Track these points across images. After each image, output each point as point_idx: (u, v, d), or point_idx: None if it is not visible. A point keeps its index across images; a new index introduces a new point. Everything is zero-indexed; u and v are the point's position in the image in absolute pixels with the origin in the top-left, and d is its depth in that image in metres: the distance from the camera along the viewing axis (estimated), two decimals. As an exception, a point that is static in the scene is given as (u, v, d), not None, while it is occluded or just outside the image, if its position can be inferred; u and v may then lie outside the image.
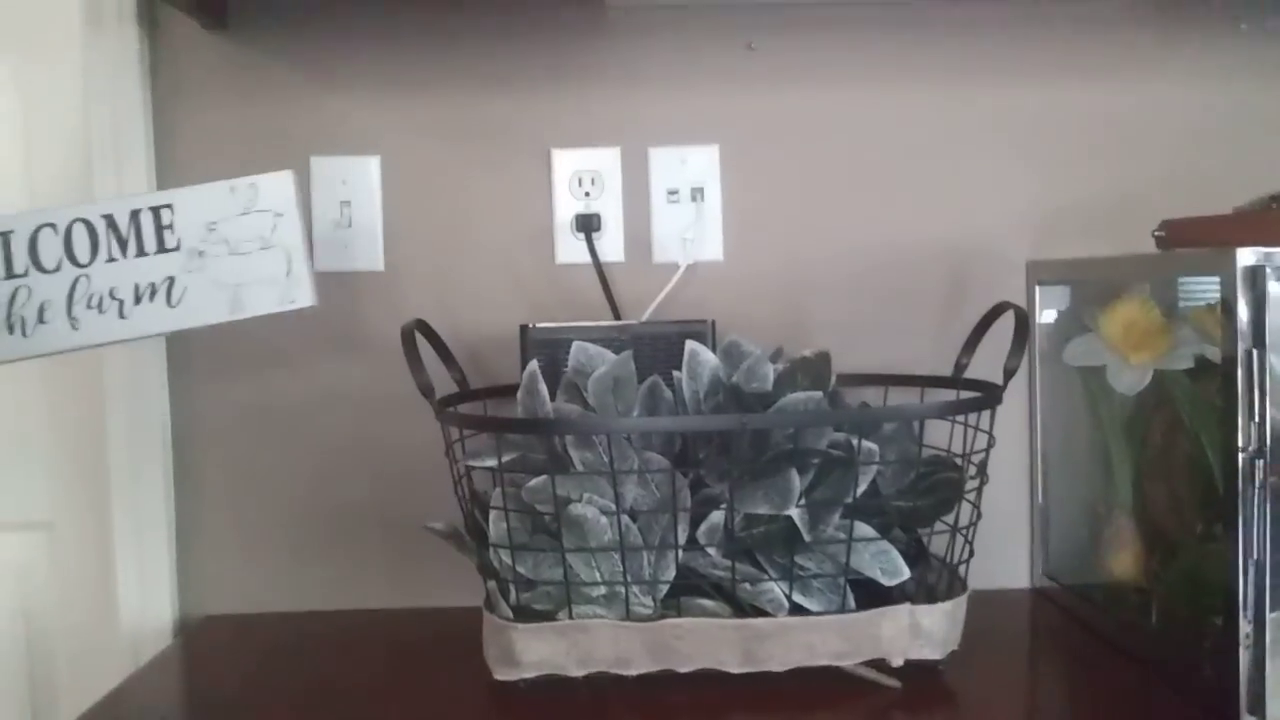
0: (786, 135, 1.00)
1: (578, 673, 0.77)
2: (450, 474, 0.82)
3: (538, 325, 0.93)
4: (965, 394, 0.86)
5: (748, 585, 0.77)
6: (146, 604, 0.97)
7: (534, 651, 0.76)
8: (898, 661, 0.78)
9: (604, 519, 0.76)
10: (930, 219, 1.01)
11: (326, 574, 1.00)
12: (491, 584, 0.79)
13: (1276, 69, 1.01)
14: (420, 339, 0.84)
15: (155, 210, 0.81)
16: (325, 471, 1.00)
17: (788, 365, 0.84)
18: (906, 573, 0.77)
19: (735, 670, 0.77)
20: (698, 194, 0.99)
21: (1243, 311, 0.69)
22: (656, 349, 0.91)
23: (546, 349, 0.92)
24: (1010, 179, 1.01)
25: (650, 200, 1.00)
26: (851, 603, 0.77)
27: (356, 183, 0.99)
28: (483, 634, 0.79)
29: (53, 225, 0.80)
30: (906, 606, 0.77)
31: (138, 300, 0.80)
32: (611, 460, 0.76)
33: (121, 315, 0.80)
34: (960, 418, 0.82)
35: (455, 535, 0.82)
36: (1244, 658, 0.69)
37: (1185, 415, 0.82)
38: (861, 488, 0.77)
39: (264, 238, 0.82)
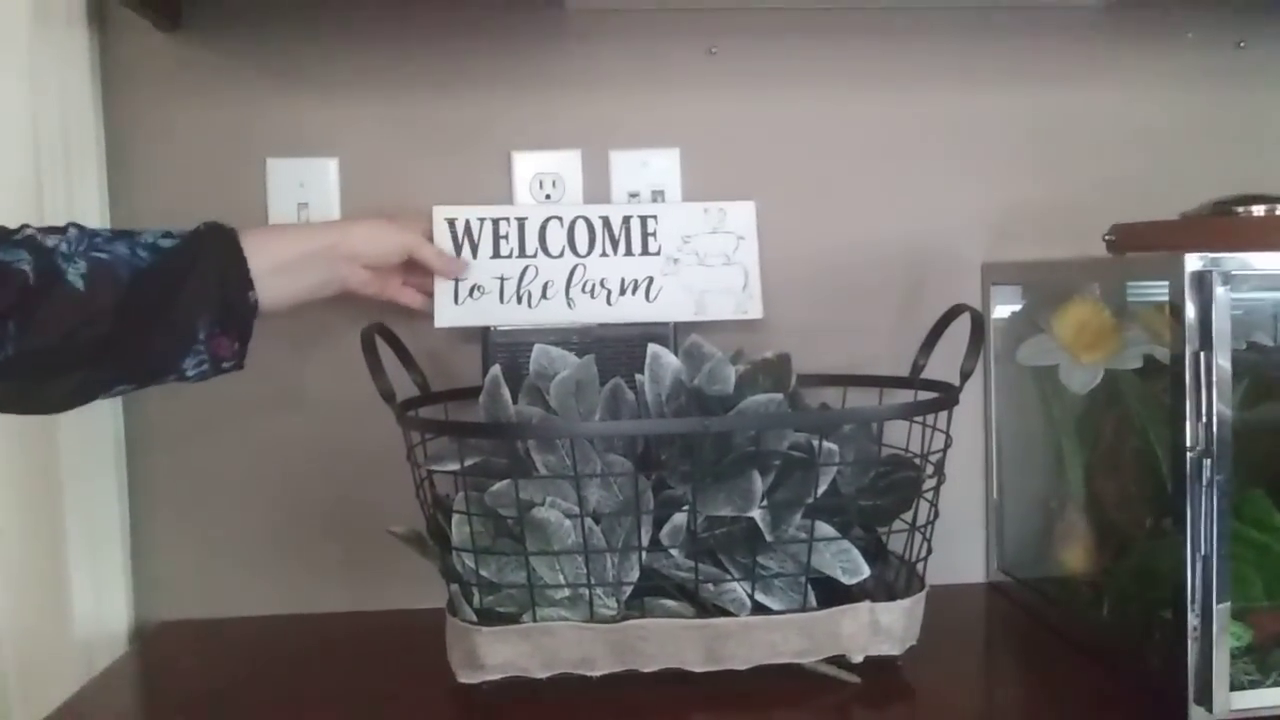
0: (746, 139, 1.01)
1: (542, 674, 0.77)
2: (412, 478, 0.82)
3: (499, 328, 0.93)
4: (923, 394, 0.87)
5: (710, 586, 0.77)
6: (100, 610, 0.95)
7: (498, 654, 0.76)
8: (858, 658, 0.79)
9: (567, 522, 0.76)
10: (888, 221, 1.03)
11: (285, 578, 0.99)
12: (454, 587, 0.79)
13: (1224, 77, 1.04)
14: (380, 342, 0.83)
15: (643, 219, 0.95)
16: (283, 476, 0.99)
17: (749, 367, 0.85)
18: (867, 571, 0.78)
19: (699, 669, 0.78)
20: (658, 196, 0.99)
21: (1190, 315, 0.71)
22: (618, 352, 0.92)
23: (508, 352, 0.92)
24: (967, 182, 1.03)
25: (611, 203, 1.00)
26: (813, 601, 0.78)
27: (314, 184, 0.98)
28: (446, 637, 0.79)
29: (560, 218, 0.94)
30: (866, 604, 0.78)
31: (622, 292, 0.94)
32: (574, 463, 0.76)
33: (609, 303, 0.94)
34: (919, 418, 0.83)
35: (417, 539, 0.81)
36: (1192, 649, 0.71)
37: (1135, 413, 0.84)
38: (822, 488, 0.78)
39: (727, 255, 0.95)
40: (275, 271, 0.79)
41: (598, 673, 0.78)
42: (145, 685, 0.87)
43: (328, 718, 0.76)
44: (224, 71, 0.97)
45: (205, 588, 0.99)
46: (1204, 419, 0.71)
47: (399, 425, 0.80)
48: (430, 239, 0.91)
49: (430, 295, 0.92)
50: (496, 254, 0.94)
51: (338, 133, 0.98)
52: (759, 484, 0.76)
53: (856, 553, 0.78)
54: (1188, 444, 0.71)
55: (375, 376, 0.79)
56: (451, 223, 0.94)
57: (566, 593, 0.77)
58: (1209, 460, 0.71)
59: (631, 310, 0.94)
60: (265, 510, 0.99)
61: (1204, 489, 0.71)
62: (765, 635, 0.77)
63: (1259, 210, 0.81)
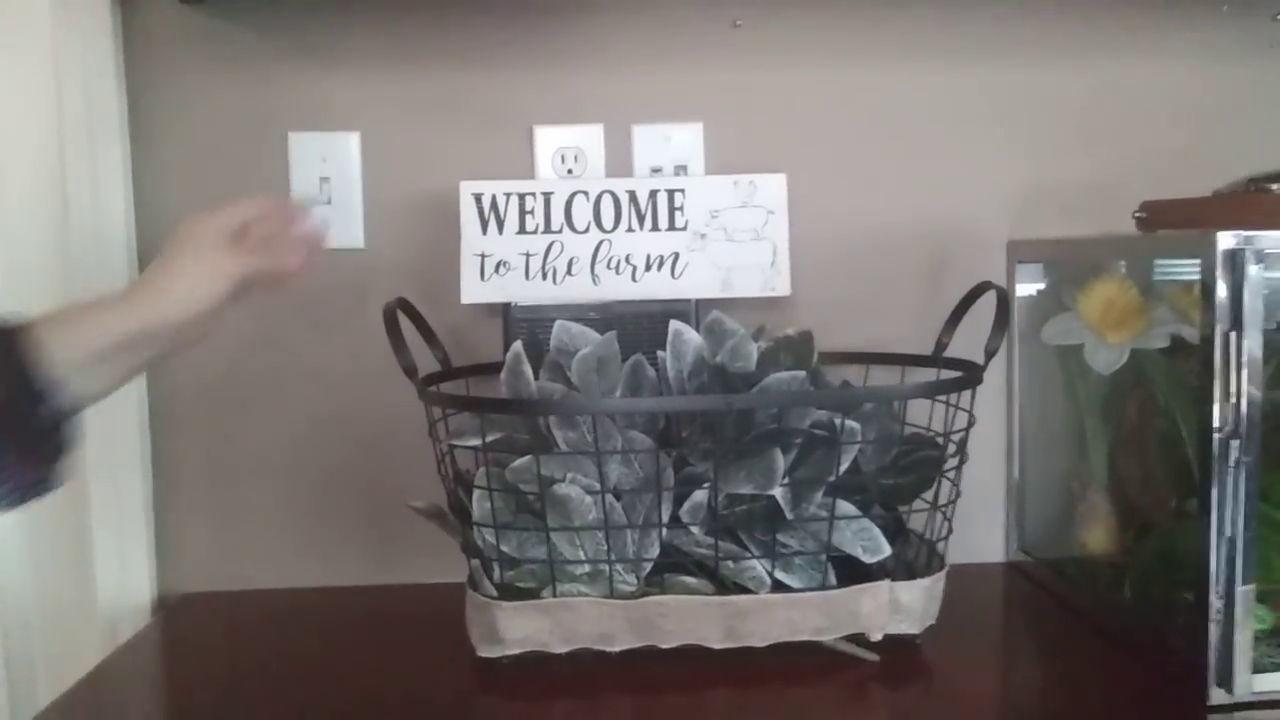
0: (770, 114, 1.00)
1: (561, 649, 0.78)
2: (433, 453, 0.82)
3: (520, 304, 0.93)
4: (946, 373, 0.86)
5: (730, 563, 0.77)
6: (124, 582, 0.96)
7: (518, 629, 0.77)
8: (877, 636, 0.79)
9: (588, 498, 0.76)
10: (913, 198, 1.01)
11: (307, 551, 1.00)
12: (475, 562, 0.79)
13: (1259, 50, 1.02)
14: (402, 317, 0.83)
15: (670, 193, 0.93)
16: (306, 450, 1.00)
17: (771, 344, 0.85)
18: (887, 550, 0.78)
19: (717, 646, 0.78)
20: (681, 171, 0.99)
21: (1221, 294, 0.70)
22: (639, 328, 0.91)
23: (529, 328, 0.92)
24: (993, 159, 1.01)
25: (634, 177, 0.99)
26: (832, 579, 0.78)
27: (336, 159, 0.98)
28: (466, 611, 0.80)
29: (585, 193, 0.92)
30: (886, 583, 0.78)
31: (648, 268, 0.92)
32: (596, 440, 0.76)
33: (634, 279, 0.92)
34: (941, 397, 0.83)
35: (439, 514, 0.82)
36: (1213, 631, 0.71)
37: (1160, 394, 0.83)
38: (844, 466, 0.78)
39: (756, 230, 0.93)
40: (89, 362, 0.62)
41: (617, 648, 0.78)
42: (168, 657, 0.88)
43: (349, 690, 0.77)
44: (246, 45, 0.97)
45: (228, 560, 1.00)
46: (1233, 400, 0.70)
47: (421, 400, 0.80)
48: (255, 206, 0.68)
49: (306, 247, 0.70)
50: (523, 230, 0.93)
51: (359, 107, 0.98)
52: (780, 462, 0.76)
53: (877, 531, 0.78)
54: (1215, 425, 0.70)
55: (397, 352, 0.79)
56: (478, 198, 0.93)
57: (586, 568, 0.77)
58: (1237, 441, 0.70)
59: (657, 287, 0.93)
60: (287, 484, 1.00)
61: (1231, 470, 0.70)
62: (785, 613, 0.77)
63: (1294, 188, 0.79)
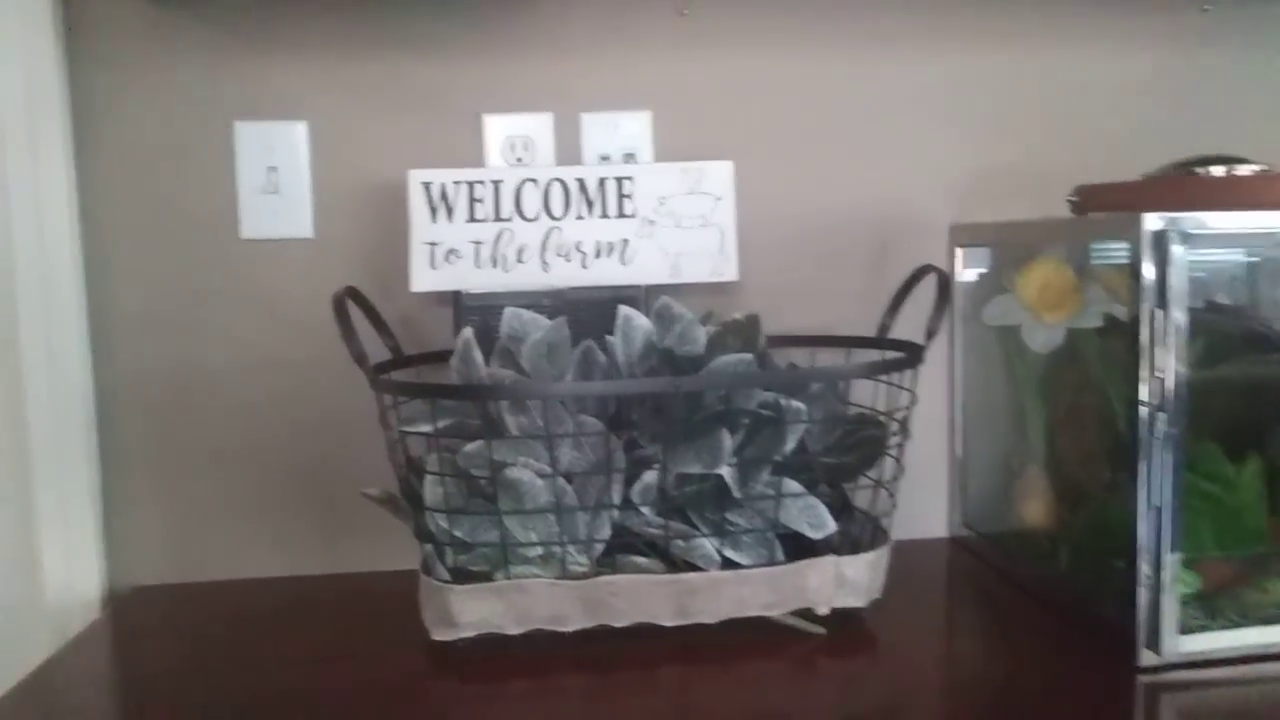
0: (718, 101, 1.01)
1: (515, 631, 0.79)
2: (384, 440, 0.82)
3: (470, 292, 0.93)
4: (889, 354, 0.89)
5: (680, 542, 0.79)
6: (73, 576, 0.95)
7: (471, 612, 0.78)
8: (823, 610, 0.81)
9: (539, 482, 0.77)
10: (860, 184, 1.04)
11: (259, 542, 1.00)
12: (428, 547, 0.80)
13: (1189, 39, 1.06)
14: (352, 306, 0.83)
15: (619, 180, 0.94)
16: (257, 440, 0.99)
17: (718, 328, 0.86)
18: (832, 526, 0.80)
19: (669, 623, 0.80)
20: (630, 159, 1.00)
21: (1148, 273, 0.73)
22: (589, 314, 0.92)
23: (479, 315, 0.92)
24: (937, 145, 1.04)
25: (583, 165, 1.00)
26: (780, 556, 0.80)
27: (283, 148, 0.97)
28: (420, 596, 0.80)
29: (535, 181, 0.93)
30: (832, 558, 0.80)
31: (598, 255, 0.93)
32: (547, 424, 0.77)
33: (584, 266, 0.93)
34: (884, 377, 0.85)
35: (391, 501, 0.82)
36: (1143, 596, 0.74)
37: (1094, 371, 0.86)
38: (789, 446, 0.80)
39: (704, 216, 0.95)
40: None
41: (570, 628, 0.79)
42: (119, 651, 0.88)
43: (302, 678, 0.77)
44: (191, 33, 0.96)
45: (179, 552, 0.99)
46: (1159, 375, 0.73)
47: (372, 388, 0.81)
48: None
49: None
50: (472, 218, 0.94)
51: (307, 96, 0.97)
52: (728, 442, 0.77)
53: (822, 508, 0.80)
54: (1143, 399, 0.73)
55: (347, 340, 0.79)
56: (427, 186, 0.93)
57: (539, 551, 0.78)
58: (1163, 415, 0.73)
59: (607, 273, 0.94)
60: (238, 475, 1.00)
61: (1157, 442, 0.73)
62: (734, 589, 0.79)
63: (1218, 171, 0.82)
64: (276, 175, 0.97)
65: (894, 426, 0.85)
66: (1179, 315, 0.73)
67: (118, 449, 0.98)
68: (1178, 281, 0.73)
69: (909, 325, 0.91)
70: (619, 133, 1.00)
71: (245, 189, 0.97)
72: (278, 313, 0.98)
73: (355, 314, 0.83)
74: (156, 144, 0.96)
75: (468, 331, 0.82)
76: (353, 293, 0.85)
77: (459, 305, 0.93)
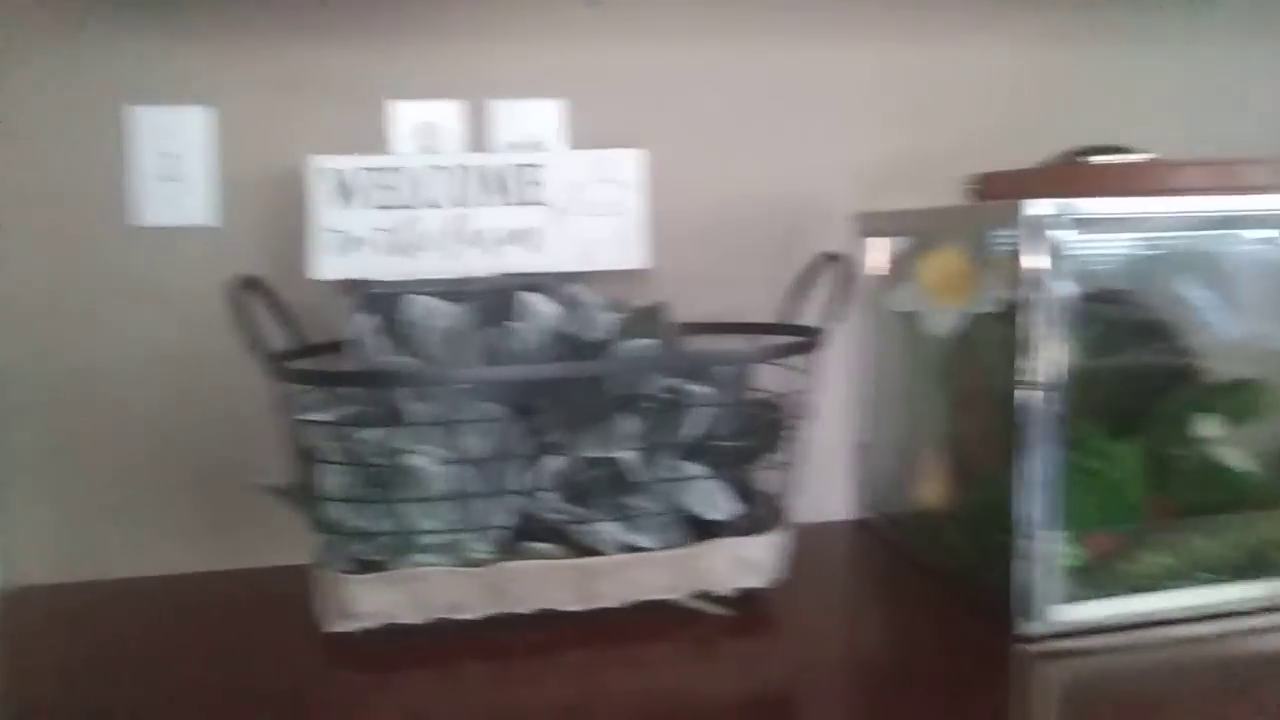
0: (630, 90, 1.02)
1: (415, 620, 0.79)
2: (282, 430, 0.81)
3: (374, 280, 0.92)
4: (791, 339, 0.90)
5: (582, 527, 0.80)
6: (-36, 576, 0.93)
7: (369, 602, 0.77)
8: (725, 591, 0.82)
9: (439, 469, 0.77)
10: (769, 173, 1.05)
11: (153, 539, 0.98)
12: (325, 538, 0.79)
13: (1080, 32, 1.09)
14: (255, 296, 0.82)
15: (529, 168, 0.93)
16: (148, 434, 0.97)
17: (626, 315, 0.87)
18: (733, 508, 0.81)
19: (572, 608, 0.80)
20: (540, 147, 1.00)
21: (1030, 258, 0.75)
22: (497, 302, 0.92)
23: (385, 303, 0.92)
24: (843, 135, 1.06)
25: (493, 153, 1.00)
26: (683, 539, 0.81)
27: (183, 134, 0.95)
28: (316, 588, 0.80)
29: (442, 168, 0.92)
30: (733, 540, 0.82)
31: (507, 243, 0.92)
32: (447, 411, 0.77)
33: (494, 254, 0.92)
34: (785, 361, 0.86)
35: (286, 492, 0.81)
36: (1023, 569, 0.77)
37: (989, 355, 0.88)
38: (691, 430, 0.81)
39: (615, 204, 0.94)
40: None
41: (472, 616, 0.79)
42: (7, 652, 0.85)
43: (197, 677, 0.76)
44: (85, 14, 0.93)
45: (72, 550, 0.97)
46: (1041, 355, 0.75)
47: (267, 377, 0.80)
48: None
49: None
50: (377, 205, 0.93)
51: (206, 79, 0.96)
52: (630, 427, 0.78)
53: (724, 490, 0.81)
54: (1027, 379, 0.76)
55: (244, 328, 0.78)
56: (329, 173, 0.92)
57: (439, 539, 0.78)
58: (1046, 394, 0.75)
59: (517, 261, 0.94)
60: (131, 470, 0.97)
61: (1041, 421, 0.76)
62: (636, 573, 0.80)
63: (1105, 159, 0.85)
64: (176, 162, 0.95)
65: (795, 410, 0.86)
66: (1062, 299, 0.75)
67: (5, 446, 0.95)
68: (1060, 265, 0.75)
69: (819, 311, 0.92)
70: (529, 120, 1.00)
71: (141, 176, 0.95)
72: (177, 303, 0.96)
73: (259, 305, 0.82)
74: (44, 128, 0.94)
75: (365, 318, 0.82)
76: (253, 282, 0.84)
77: (363, 294, 0.92)
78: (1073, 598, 0.77)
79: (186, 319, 0.96)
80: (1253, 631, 0.78)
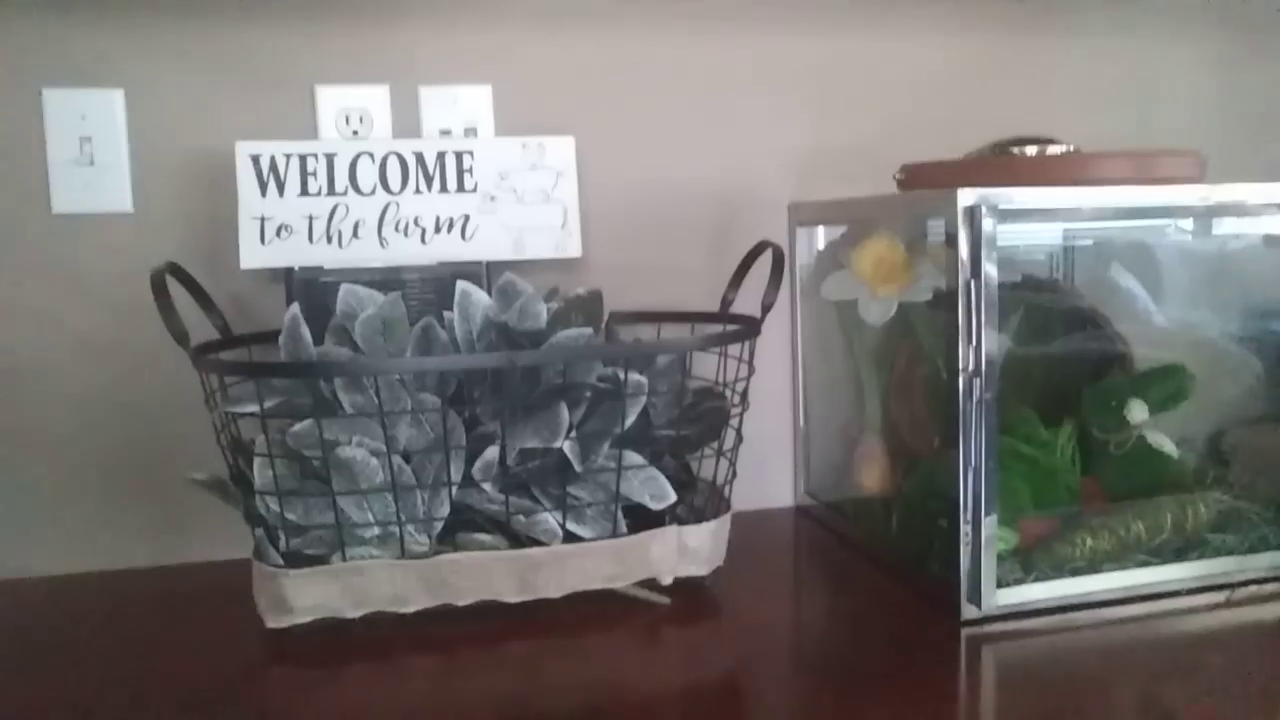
0: (559, 77, 1.01)
1: (353, 614, 0.77)
2: (212, 423, 0.79)
3: (304, 268, 0.90)
4: (730, 328, 0.90)
5: (522, 517, 0.79)
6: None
7: (307, 596, 0.75)
8: (667, 580, 0.82)
9: (374, 460, 0.76)
10: (702, 162, 1.05)
11: (83, 535, 0.94)
12: (259, 532, 0.77)
13: (1009, 25, 1.11)
14: (178, 284, 0.79)
15: (459, 155, 0.92)
16: (77, 430, 0.94)
17: (562, 304, 0.86)
18: (673, 497, 0.81)
19: (513, 600, 0.79)
20: (471, 134, 0.98)
21: (962, 246, 0.76)
22: (430, 291, 0.91)
23: (316, 292, 0.90)
24: (776, 124, 1.06)
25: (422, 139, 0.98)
26: (623, 528, 0.81)
27: (98, 118, 0.91)
28: (253, 583, 0.78)
29: (370, 154, 0.91)
30: (674, 528, 0.81)
31: (437, 230, 0.91)
32: (380, 402, 0.75)
33: (423, 241, 0.91)
34: (723, 349, 0.86)
35: (219, 485, 0.79)
36: (964, 554, 0.78)
37: (925, 342, 0.89)
38: (631, 419, 0.80)
39: (546, 192, 0.94)
40: None
41: (411, 609, 0.78)
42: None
43: (134, 674, 0.73)
44: (-12, -8, 0.89)
45: (3, 548, 0.93)
46: (974, 342, 0.76)
47: (195, 368, 0.77)
48: None
49: None
50: (304, 192, 0.91)
51: (124, 61, 0.92)
52: (566, 416, 0.77)
53: (664, 479, 0.81)
54: (961, 366, 0.77)
55: (167, 318, 0.75)
56: (256, 159, 0.90)
57: (376, 531, 0.77)
58: (979, 380, 0.77)
59: (447, 249, 0.93)
60: (59, 465, 0.94)
61: (975, 407, 0.77)
62: (577, 562, 0.79)
63: (1031, 150, 0.87)
64: (91, 146, 0.91)
65: (734, 398, 0.87)
66: (992, 286, 0.76)
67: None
68: (990, 253, 0.76)
69: (753, 301, 0.92)
70: (459, 106, 0.98)
71: (56, 161, 0.91)
72: (97, 291, 0.93)
73: (181, 293, 0.79)
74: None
75: (295, 307, 0.79)
76: (175, 269, 0.81)
77: (291, 282, 0.90)
78: (1007, 581, 0.79)
79: (113, 307, 0.93)
80: (1186, 611, 0.80)
